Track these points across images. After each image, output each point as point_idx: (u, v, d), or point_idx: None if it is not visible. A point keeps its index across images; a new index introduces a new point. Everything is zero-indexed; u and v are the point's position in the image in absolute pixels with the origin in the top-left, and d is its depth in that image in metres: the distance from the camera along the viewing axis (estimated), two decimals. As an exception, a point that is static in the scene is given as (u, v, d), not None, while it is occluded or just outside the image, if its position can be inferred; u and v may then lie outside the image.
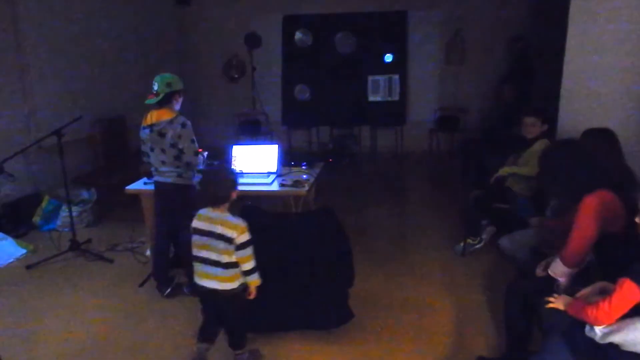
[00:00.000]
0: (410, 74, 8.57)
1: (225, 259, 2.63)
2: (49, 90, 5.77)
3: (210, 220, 2.68)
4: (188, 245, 3.65)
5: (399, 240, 4.85)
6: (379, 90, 8.53)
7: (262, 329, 3.16)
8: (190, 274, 3.72)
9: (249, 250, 2.64)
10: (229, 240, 2.60)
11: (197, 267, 2.75)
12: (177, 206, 3.63)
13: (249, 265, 2.67)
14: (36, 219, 5.27)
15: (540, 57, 7.11)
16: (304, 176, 4.08)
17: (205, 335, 2.89)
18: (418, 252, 4.53)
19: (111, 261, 4.47)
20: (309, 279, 3.13)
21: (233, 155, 4.26)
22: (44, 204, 5.28)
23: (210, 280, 2.69)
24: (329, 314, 3.17)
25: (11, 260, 4.52)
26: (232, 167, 4.22)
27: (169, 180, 3.55)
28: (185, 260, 3.74)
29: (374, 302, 3.61)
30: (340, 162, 7.98)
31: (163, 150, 3.49)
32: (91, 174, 6.10)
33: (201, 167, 3.74)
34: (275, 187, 3.86)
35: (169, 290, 3.78)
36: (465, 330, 3.25)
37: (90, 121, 6.31)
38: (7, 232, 4.79)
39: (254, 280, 2.72)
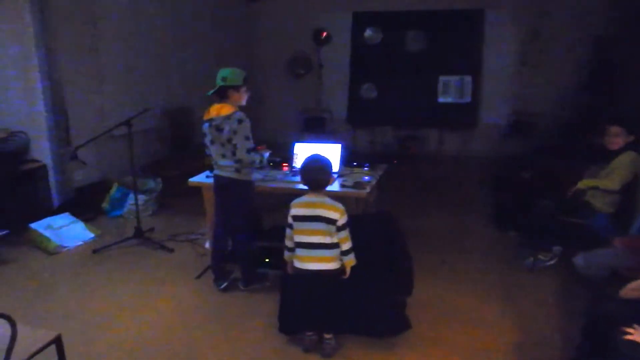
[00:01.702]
0: (484, 75, 8.20)
1: (328, 239, 2.79)
2: (121, 82, 6.02)
3: (311, 204, 2.83)
4: (243, 243, 3.71)
5: (460, 249, 4.60)
6: (449, 91, 8.24)
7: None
8: (245, 270, 3.76)
9: (347, 231, 2.81)
10: (330, 221, 2.77)
11: (300, 252, 2.88)
12: (234, 201, 3.62)
13: (347, 245, 2.82)
14: (104, 205, 5.48)
15: (629, 58, 6.56)
16: (366, 177, 3.96)
17: (311, 325, 3.02)
18: (480, 262, 4.29)
19: (171, 250, 4.55)
20: (366, 284, 3.04)
21: (295, 152, 4.21)
22: (112, 191, 5.48)
23: (316, 263, 2.83)
24: (385, 321, 3.08)
25: (80, 243, 4.72)
26: (293, 164, 4.18)
27: (228, 174, 3.54)
28: (240, 257, 3.76)
29: (430, 311, 3.45)
30: (402, 163, 7.77)
31: (222, 145, 3.49)
32: (158, 163, 6.27)
33: (258, 158, 3.65)
34: (335, 187, 3.76)
35: (225, 284, 3.78)
36: (524, 349, 3.01)
37: (159, 112, 6.51)
38: (77, 216, 5.00)
39: (351, 260, 2.85)
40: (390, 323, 3.09)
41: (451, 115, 8.29)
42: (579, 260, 3.43)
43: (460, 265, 4.24)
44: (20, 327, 2.15)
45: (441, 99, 8.30)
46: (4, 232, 4.40)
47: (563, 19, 7.64)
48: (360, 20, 8.52)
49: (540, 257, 4.08)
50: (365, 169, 4.24)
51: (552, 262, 4.09)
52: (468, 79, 8.15)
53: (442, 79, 8.25)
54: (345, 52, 8.65)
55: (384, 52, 8.45)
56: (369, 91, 8.62)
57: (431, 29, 8.20)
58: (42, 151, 5.18)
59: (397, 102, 8.44)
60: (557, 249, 4.11)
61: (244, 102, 3.57)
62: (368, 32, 8.49)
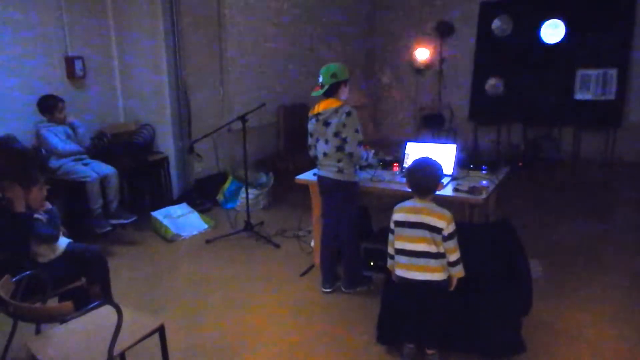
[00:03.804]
0: (633, 68, 7.17)
1: (434, 249, 2.59)
2: (241, 78, 6.18)
3: (416, 210, 2.64)
4: (349, 244, 3.57)
5: (594, 267, 4.01)
6: (589, 86, 7.33)
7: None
8: (349, 271, 3.61)
9: (455, 241, 2.60)
10: (436, 230, 2.57)
11: (403, 259, 2.69)
12: (339, 203, 3.50)
13: (455, 256, 2.61)
14: (220, 197, 5.69)
15: None
16: (484, 182, 3.59)
17: (409, 335, 2.84)
18: (619, 285, 3.69)
19: (278, 246, 4.56)
20: (478, 299, 2.78)
21: (406, 152, 3.96)
22: (227, 184, 5.68)
23: (419, 272, 2.63)
24: (496, 341, 2.78)
25: (195, 233, 4.93)
26: (404, 165, 3.94)
27: (329, 175, 3.44)
28: (345, 258, 3.63)
29: (552, 336, 3.03)
30: (530, 166, 7.09)
31: (327, 141, 3.39)
32: (272, 158, 6.37)
33: (365, 154, 3.50)
34: (448, 191, 3.45)
35: (331, 289, 3.67)
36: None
37: (275, 108, 6.60)
38: (194, 207, 5.23)
39: (459, 272, 2.63)
40: (502, 344, 2.79)
41: (590, 114, 7.38)
42: None
43: (593, 284, 3.70)
44: (127, 313, 2.22)
45: (578, 96, 7.43)
46: (133, 218, 4.72)
47: None
48: (488, 11, 7.92)
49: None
50: (483, 172, 3.86)
51: None
52: (612, 72, 7.18)
53: (581, 72, 7.37)
54: (469, 44, 8.13)
55: (514, 44, 7.77)
56: (494, 87, 8.00)
57: (570, 17, 7.34)
58: (166, 144, 5.52)
59: (526, 99, 7.72)
60: None
61: (345, 96, 3.46)
62: (496, 23, 7.87)
